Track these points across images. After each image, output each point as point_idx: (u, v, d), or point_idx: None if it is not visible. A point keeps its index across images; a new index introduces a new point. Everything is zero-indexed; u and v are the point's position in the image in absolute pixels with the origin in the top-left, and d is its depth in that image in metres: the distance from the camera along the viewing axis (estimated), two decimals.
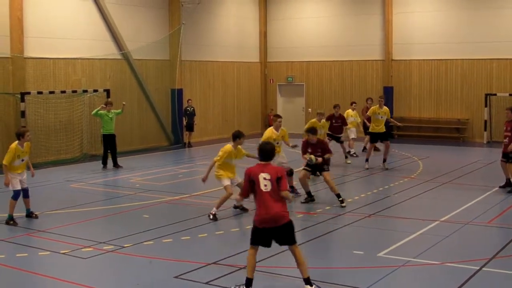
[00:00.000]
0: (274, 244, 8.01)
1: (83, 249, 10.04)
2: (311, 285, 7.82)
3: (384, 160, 18.26)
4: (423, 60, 26.43)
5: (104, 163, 18.75)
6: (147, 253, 9.78)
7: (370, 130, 18.62)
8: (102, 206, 13.66)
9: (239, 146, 12.46)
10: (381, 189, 15.40)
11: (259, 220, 7.81)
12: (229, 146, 12.33)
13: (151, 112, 23.99)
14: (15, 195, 11.87)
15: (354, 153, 20.70)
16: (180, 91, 24.86)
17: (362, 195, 14.47)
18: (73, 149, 20.59)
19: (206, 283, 8.37)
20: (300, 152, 13.78)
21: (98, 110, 18.54)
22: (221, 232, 11.27)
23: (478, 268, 8.91)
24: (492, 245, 10.23)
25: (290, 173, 14.11)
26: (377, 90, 26.81)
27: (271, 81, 30.18)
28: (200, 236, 10.85)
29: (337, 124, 19.35)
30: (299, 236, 10.84)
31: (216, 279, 8.51)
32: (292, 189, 14.17)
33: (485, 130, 25.05)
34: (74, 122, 20.64)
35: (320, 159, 13.12)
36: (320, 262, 9.55)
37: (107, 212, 13.04)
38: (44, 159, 19.31)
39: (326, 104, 26.20)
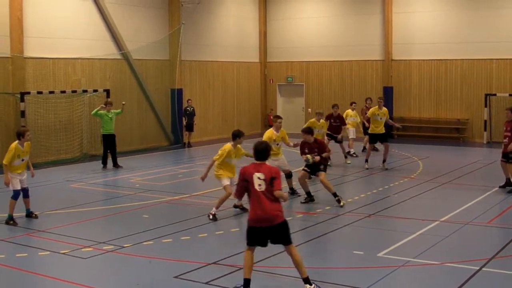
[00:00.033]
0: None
1: (83, 249, 10.04)
2: (311, 284, 7.83)
3: (384, 161, 18.26)
4: (423, 60, 26.43)
5: (104, 163, 18.75)
6: (147, 253, 9.78)
7: (369, 131, 18.62)
8: (102, 206, 13.66)
9: (238, 146, 12.47)
10: (381, 189, 15.40)
11: (253, 219, 7.81)
12: (228, 145, 12.35)
13: (151, 112, 23.99)
14: (15, 195, 11.87)
15: (354, 153, 20.71)
16: (180, 91, 24.86)
17: (362, 195, 14.47)
18: (73, 149, 20.59)
19: (206, 283, 8.37)
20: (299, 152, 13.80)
21: (98, 110, 18.54)
22: (221, 232, 11.28)
23: (478, 268, 8.91)
24: (492, 245, 10.24)
25: (289, 175, 14.14)
26: (377, 90, 26.82)
27: (271, 81, 30.18)
28: (200, 236, 10.85)
29: (335, 124, 19.36)
30: (299, 236, 10.89)
31: (216, 279, 8.51)
32: (292, 191, 14.20)
33: (485, 130, 25.05)
34: (74, 122, 20.64)
35: (317, 158, 13.11)
36: (320, 262, 9.56)
37: (107, 212, 13.04)
38: (44, 159, 19.31)
39: (326, 104, 26.20)
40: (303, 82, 29.23)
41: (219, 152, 12.30)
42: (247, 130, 24.10)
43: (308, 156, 13.13)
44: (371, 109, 18.80)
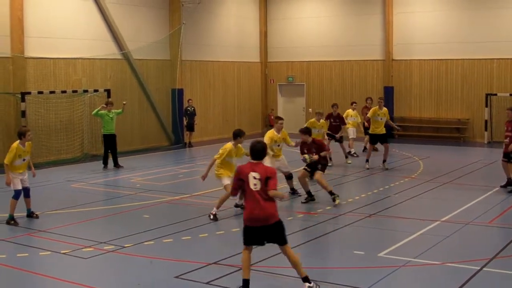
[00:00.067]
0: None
1: (83, 249, 10.04)
2: (310, 282, 7.83)
3: (384, 161, 18.25)
4: (424, 60, 26.43)
5: (105, 163, 18.76)
6: (148, 253, 9.78)
7: (370, 131, 18.61)
8: (103, 206, 13.67)
9: (239, 145, 12.48)
10: (381, 189, 15.40)
11: (248, 218, 7.83)
12: (229, 144, 12.36)
13: (151, 112, 24.00)
14: (16, 194, 11.88)
15: (354, 153, 20.70)
16: (180, 91, 24.87)
17: (363, 195, 14.47)
18: (74, 149, 20.60)
19: (207, 283, 8.37)
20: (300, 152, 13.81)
21: (99, 110, 18.55)
22: (221, 232, 11.28)
23: (478, 268, 8.91)
24: (492, 245, 10.23)
25: (289, 176, 14.15)
26: (377, 90, 26.82)
27: (272, 81, 30.18)
28: (201, 236, 10.85)
29: (335, 124, 19.35)
30: (299, 236, 10.90)
31: (216, 279, 8.51)
32: (293, 191, 14.21)
33: (486, 130, 25.04)
34: (74, 122, 20.64)
35: (315, 157, 13.12)
36: (321, 262, 9.56)
37: (107, 212, 13.04)
38: (45, 159, 19.31)
39: (327, 104, 26.15)
40: (304, 82, 29.23)
41: (220, 151, 12.33)
42: (247, 130, 23.98)
43: (306, 155, 13.17)
44: (372, 110, 18.78)
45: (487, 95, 24.96)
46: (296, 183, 14.14)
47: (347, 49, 27.93)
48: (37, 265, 9.53)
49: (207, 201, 13.52)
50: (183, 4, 24.74)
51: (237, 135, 12.37)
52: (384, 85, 27.14)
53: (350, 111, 21.15)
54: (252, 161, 7.97)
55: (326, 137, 18.51)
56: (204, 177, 12.33)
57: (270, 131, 14.11)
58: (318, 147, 13.31)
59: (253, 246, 7.97)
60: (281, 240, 7.86)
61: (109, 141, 18.70)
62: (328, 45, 28.38)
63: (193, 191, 14.94)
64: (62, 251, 9.92)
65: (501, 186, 14.84)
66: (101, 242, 10.37)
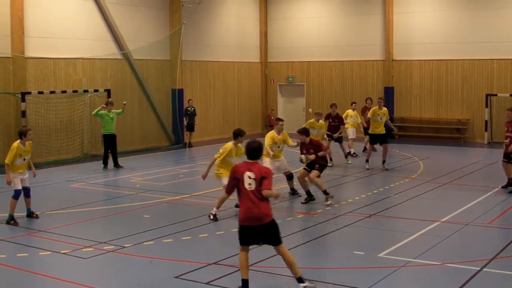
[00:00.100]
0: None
1: (83, 249, 10.05)
2: (304, 282, 7.83)
3: (384, 161, 18.24)
4: (424, 60, 26.43)
5: (105, 163, 18.76)
6: (148, 253, 9.79)
7: (370, 131, 18.60)
8: (103, 206, 13.67)
9: (239, 145, 12.49)
10: (381, 189, 15.40)
11: (243, 218, 7.84)
12: (230, 144, 12.38)
13: (151, 112, 24.00)
14: (16, 194, 11.88)
15: (354, 153, 20.70)
16: (180, 91, 24.87)
17: (363, 196, 14.46)
18: (74, 149, 20.60)
19: (207, 283, 8.37)
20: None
21: (99, 110, 18.55)
22: (221, 232, 11.27)
23: (478, 268, 8.91)
24: (492, 246, 10.23)
25: (290, 176, 14.15)
26: (377, 90, 26.82)
27: (272, 81, 30.18)
28: (201, 236, 10.85)
29: (334, 124, 19.32)
30: (299, 236, 10.91)
31: (216, 279, 8.52)
32: (293, 191, 14.21)
33: (486, 130, 25.04)
34: (74, 122, 20.64)
35: (311, 157, 13.13)
36: (321, 263, 9.57)
37: (107, 212, 13.04)
38: (45, 159, 19.31)
39: (327, 105, 26.04)
40: (304, 82, 29.23)
41: (220, 150, 12.37)
42: (247, 130, 23.91)
43: (302, 156, 13.23)
44: (372, 110, 18.77)
45: (487, 95, 24.96)
46: (296, 183, 14.14)
47: (347, 49, 27.93)
48: (37, 265, 9.53)
49: (207, 201, 13.52)
50: (183, 4, 24.75)
51: (238, 135, 12.39)
52: (384, 85, 27.14)
53: (350, 111, 21.14)
54: (248, 160, 7.99)
55: (326, 137, 18.47)
56: (204, 177, 12.34)
57: (271, 132, 14.12)
58: (315, 147, 13.33)
59: (250, 247, 7.97)
60: (275, 240, 7.87)
61: (109, 141, 18.70)
62: (328, 45, 28.38)
63: (193, 191, 14.94)
64: (62, 251, 9.93)
65: (502, 187, 14.83)
66: (101, 242, 10.37)
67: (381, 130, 18.23)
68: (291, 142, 14.24)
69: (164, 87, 24.44)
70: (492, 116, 24.98)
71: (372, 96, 23.56)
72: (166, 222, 11.83)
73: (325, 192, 13.25)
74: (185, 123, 24.70)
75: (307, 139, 13.37)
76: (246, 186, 7.79)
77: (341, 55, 28.12)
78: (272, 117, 27.61)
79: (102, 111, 18.49)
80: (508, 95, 24.47)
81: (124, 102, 19.31)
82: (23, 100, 18.71)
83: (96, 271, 9.30)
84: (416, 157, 20.68)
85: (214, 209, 12.08)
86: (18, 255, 9.84)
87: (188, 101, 24.79)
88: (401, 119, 26.77)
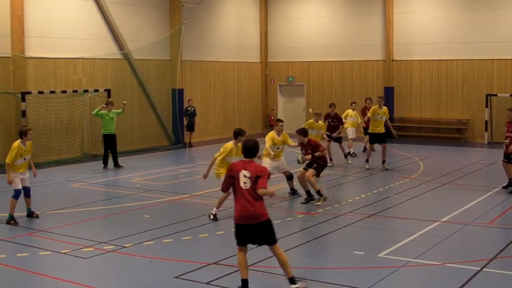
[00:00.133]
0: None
1: (83, 249, 10.05)
2: (296, 283, 7.83)
3: (383, 161, 18.24)
4: (424, 60, 26.43)
5: (105, 163, 18.76)
6: (148, 253, 9.79)
7: (369, 131, 18.60)
8: (103, 206, 13.67)
9: (239, 144, 12.47)
10: (381, 189, 15.40)
11: (238, 217, 7.86)
12: (230, 143, 12.39)
13: (151, 112, 24.00)
14: (16, 194, 11.88)
15: (354, 153, 20.69)
16: (180, 91, 24.87)
17: (363, 196, 14.46)
18: (74, 149, 20.60)
19: (207, 283, 8.37)
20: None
21: (99, 110, 18.55)
22: (221, 232, 11.27)
23: (478, 269, 8.91)
24: (492, 246, 10.23)
25: (290, 177, 14.15)
26: (377, 90, 26.81)
27: (272, 81, 30.18)
28: (201, 236, 10.85)
29: (333, 124, 19.31)
30: (299, 237, 10.91)
31: (216, 279, 8.52)
32: (293, 191, 14.21)
33: (486, 130, 25.03)
34: (75, 122, 20.64)
35: (308, 157, 13.17)
36: (321, 262, 9.57)
37: (107, 212, 13.04)
38: (45, 158, 19.31)
39: (327, 105, 26.05)
40: (304, 82, 29.23)
41: (221, 149, 12.38)
42: (248, 130, 23.82)
43: (299, 156, 13.27)
44: (372, 109, 18.76)
45: (487, 95, 24.95)
46: (296, 183, 14.14)
47: (348, 49, 27.93)
48: (37, 265, 9.53)
49: (207, 201, 13.52)
50: (184, 4, 24.75)
51: (238, 134, 12.38)
52: (384, 85, 27.14)
53: (349, 111, 21.13)
54: (245, 159, 8.00)
55: (326, 138, 18.46)
56: (205, 176, 12.34)
57: (271, 133, 14.13)
58: (313, 148, 13.35)
59: (249, 246, 7.98)
60: (270, 240, 7.88)
61: (109, 141, 18.70)
62: (328, 45, 28.38)
63: (193, 191, 14.95)
64: (62, 251, 9.93)
65: (503, 187, 14.83)
66: (101, 242, 10.37)
67: (381, 129, 18.22)
68: (291, 142, 14.25)
69: (164, 87, 24.44)
70: (492, 116, 24.97)
71: (372, 96, 23.54)
72: (166, 222, 11.83)
73: (318, 193, 13.25)
74: (185, 123, 24.70)
75: (306, 140, 13.39)
76: (242, 184, 7.80)
77: (341, 55, 28.12)
78: (272, 117, 27.62)
79: (102, 111, 18.49)
80: (508, 95, 24.47)
81: (124, 102, 19.31)
82: (23, 100, 18.70)
83: (96, 271, 9.31)
84: (416, 157, 20.68)
85: (214, 209, 12.09)
86: (18, 255, 9.84)
87: (188, 101, 24.79)
88: (401, 119, 26.77)
